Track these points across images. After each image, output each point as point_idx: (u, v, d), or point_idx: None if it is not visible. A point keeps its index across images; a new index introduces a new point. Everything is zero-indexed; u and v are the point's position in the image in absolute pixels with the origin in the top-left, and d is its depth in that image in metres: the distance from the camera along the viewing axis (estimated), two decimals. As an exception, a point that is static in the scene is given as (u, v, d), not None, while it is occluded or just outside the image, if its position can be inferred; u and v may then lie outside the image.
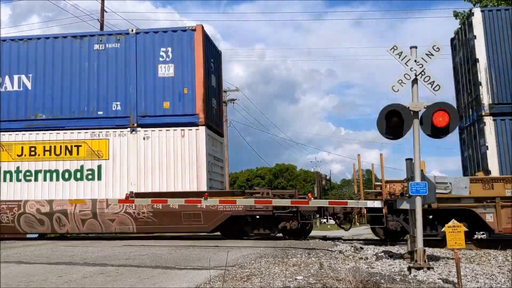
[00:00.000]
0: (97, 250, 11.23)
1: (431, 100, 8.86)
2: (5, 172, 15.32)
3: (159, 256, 9.87)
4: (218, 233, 15.70)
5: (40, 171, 15.23)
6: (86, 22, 65.00)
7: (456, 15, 18.33)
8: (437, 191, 9.12)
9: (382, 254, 10.32)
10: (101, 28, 28.88)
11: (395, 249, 11.31)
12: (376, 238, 14.87)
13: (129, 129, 15.11)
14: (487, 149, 13.94)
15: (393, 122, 8.72)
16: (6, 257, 9.98)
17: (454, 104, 14.96)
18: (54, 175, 15.17)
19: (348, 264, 8.69)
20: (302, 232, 14.82)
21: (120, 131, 15.13)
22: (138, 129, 15.06)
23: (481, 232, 16.86)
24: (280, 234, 15.02)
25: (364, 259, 9.73)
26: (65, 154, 15.20)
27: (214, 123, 16.51)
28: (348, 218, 14.26)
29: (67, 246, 12.29)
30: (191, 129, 14.94)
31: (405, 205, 9.07)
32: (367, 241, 14.77)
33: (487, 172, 13.82)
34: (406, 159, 9.32)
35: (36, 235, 17.26)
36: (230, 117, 41.37)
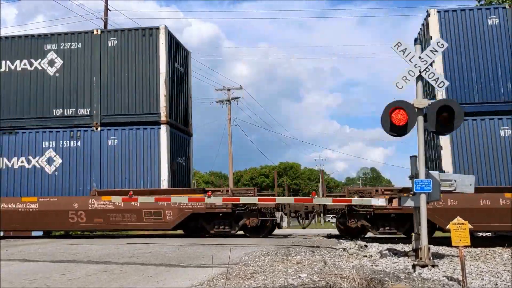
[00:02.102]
0: (101, 248, 11.24)
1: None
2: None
3: (162, 254, 9.86)
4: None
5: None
6: (90, 21, 65.12)
7: (460, 11, 18.19)
8: (442, 188, 9.08)
9: (387, 251, 10.28)
10: (105, 27, 28.91)
11: (399, 246, 11.27)
12: (380, 236, 14.86)
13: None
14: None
15: (398, 119, 8.68)
16: (10, 255, 10.00)
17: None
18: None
19: (352, 262, 8.65)
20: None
21: None
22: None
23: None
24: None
25: (368, 257, 9.70)
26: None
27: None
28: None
29: (71, 244, 12.31)
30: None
31: (409, 203, 9.03)
32: (371, 239, 14.73)
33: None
34: (411, 156, 9.28)
35: (40, 233, 17.32)
36: (234, 115, 41.53)
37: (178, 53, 17.12)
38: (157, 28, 15.74)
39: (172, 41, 16.46)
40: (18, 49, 16.23)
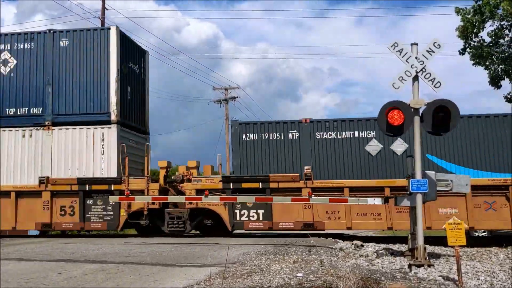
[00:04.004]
0: (98, 247, 11.23)
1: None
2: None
3: (159, 253, 9.86)
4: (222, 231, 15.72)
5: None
6: (88, 20, 64.85)
7: (458, 11, 18.12)
8: (438, 188, 9.11)
9: (383, 251, 10.30)
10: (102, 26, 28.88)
11: (395, 246, 11.30)
12: (376, 236, 14.92)
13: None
14: None
15: (394, 119, 8.70)
16: (7, 254, 9.99)
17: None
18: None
19: (348, 262, 8.67)
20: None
21: None
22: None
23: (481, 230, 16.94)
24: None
25: (365, 257, 9.72)
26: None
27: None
28: None
29: (68, 243, 12.29)
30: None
31: (405, 202, 9.06)
32: (368, 239, 14.76)
33: None
34: (407, 156, 9.31)
35: (37, 232, 17.27)
36: (231, 115, 41.50)
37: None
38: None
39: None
40: None
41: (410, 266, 8.01)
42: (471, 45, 18.38)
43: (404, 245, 11.00)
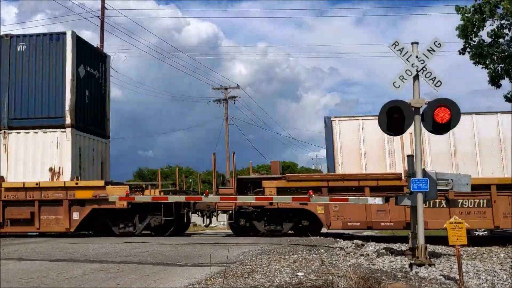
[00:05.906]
0: (98, 247, 11.22)
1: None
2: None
3: (160, 253, 9.85)
4: (224, 231, 15.74)
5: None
6: (89, 20, 64.67)
7: (458, 9, 18.07)
8: (439, 187, 9.10)
9: (383, 250, 10.30)
10: (102, 26, 28.86)
11: (396, 245, 11.29)
12: (376, 235, 14.91)
13: None
14: None
15: (395, 118, 8.69)
16: (7, 254, 9.97)
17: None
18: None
19: (349, 261, 8.66)
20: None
21: None
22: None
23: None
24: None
25: (365, 256, 9.72)
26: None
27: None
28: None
29: (68, 243, 12.27)
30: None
31: (406, 202, 9.05)
32: (368, 238, 14.76)
33: None
34: (408, 156, 9.30)
35: (37, 232, 17.24)
36: (231, 114, 41.54)
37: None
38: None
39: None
40: None
41: (411, 265, 8.00)
42: (471, 44, 18.36)
43: (404, 244, 10.99)
